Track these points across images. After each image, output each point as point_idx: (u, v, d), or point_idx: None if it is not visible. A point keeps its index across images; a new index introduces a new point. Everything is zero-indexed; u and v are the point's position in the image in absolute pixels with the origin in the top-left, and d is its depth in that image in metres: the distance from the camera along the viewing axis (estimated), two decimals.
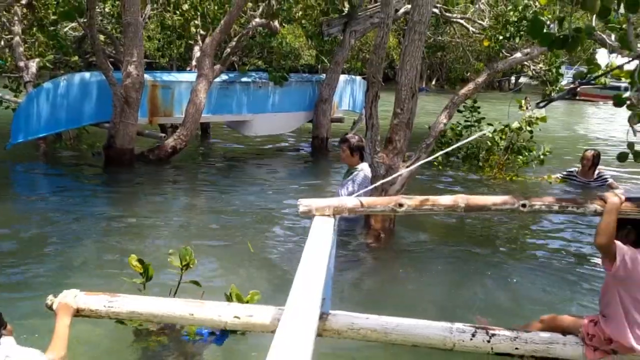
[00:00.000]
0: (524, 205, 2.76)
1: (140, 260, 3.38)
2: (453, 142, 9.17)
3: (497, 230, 5.98)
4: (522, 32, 8.98)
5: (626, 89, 4.20)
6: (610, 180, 7.51)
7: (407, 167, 5.43)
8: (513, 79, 34.23)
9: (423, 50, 5.28)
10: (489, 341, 2.80)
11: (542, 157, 8.47)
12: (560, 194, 7.31)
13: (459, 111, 8.29)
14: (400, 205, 2.84)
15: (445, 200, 2.89)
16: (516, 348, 2.79)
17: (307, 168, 9.55)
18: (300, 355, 1.46)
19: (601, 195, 2.78)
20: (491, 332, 2.82)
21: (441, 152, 4.02)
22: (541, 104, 3.41)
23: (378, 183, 4.13)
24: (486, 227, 6.04)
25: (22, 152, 8.24)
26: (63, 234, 5.07)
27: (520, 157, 8.47)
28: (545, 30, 3.07)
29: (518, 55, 5.75)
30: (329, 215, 2.81)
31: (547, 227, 6.12)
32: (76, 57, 9.83)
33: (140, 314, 2.82)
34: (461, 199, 2.85)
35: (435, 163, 8.52)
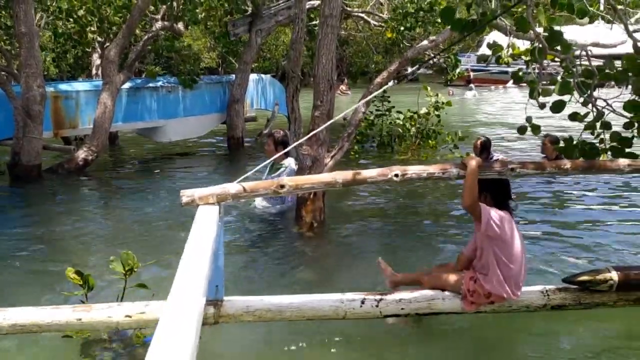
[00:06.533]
0: (396, 175, 3.02)
1: (78, 272, 3.27)
2: (366, 131, 9.55)
3: (422, 209, 6.32)
4: (420, 22, 9.50)
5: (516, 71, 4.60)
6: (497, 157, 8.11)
7: (332, 156, 5.62)
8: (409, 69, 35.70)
9: (337, 43, 5.46)
10: (377, 306, 3.02)
11: (454, 143, 8.90)
12: None
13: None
14: (282, 186, 2.96)
15: (324, 177, 3.07)
16: (402, 309, 3.04)
17: (224, 168, 9.49)
18: (183, 345, 1.39)
19: (462, 160, 3.10)
20: (378, 297, 3.04)
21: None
22: (397, 82, 3.65)
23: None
24: (414, 207, 6.36)
25: None
26: None
27: (430, 140, 8.95)
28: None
29: (425, 42, 6.12)
30: (213, 204, 2.81)
31: None
32: None
33: (24, 325, 2.74)
34: (339, 176, 3.03)
35: (351, 152, 8.81)
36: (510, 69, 26.58)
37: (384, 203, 6.50)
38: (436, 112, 8.82)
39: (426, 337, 3.32)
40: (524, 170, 3.08)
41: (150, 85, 9.51)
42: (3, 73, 7.76)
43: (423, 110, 8.90)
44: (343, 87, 25.86)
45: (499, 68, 27.06)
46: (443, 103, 8.74)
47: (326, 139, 5.50)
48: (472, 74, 27.62)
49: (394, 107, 9.56)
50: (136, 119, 9.38)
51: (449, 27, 3.40)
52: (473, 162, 2.98)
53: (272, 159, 4.17)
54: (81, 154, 8.00)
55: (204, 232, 2.40)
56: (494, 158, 8.09)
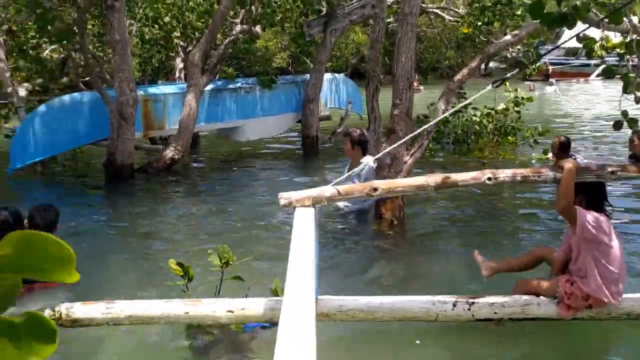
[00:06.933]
0: (489, 179, 2.99)
1: (179, 264, 3.51)
2: (441, 128, 9.44)
3: (502, 207, 6.22)
4: (497, 17, 9.28)
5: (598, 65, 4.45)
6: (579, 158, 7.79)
7: (411, 154, 5.65)
8: (483, 64, 34.72)
9: (416, 41, 5.49)
10: (469, 309, 2.99)
11: (534, 138, 8.64)
12: None
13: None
14: (375, 189, 3.00)
15: (416, 181, 3.08)
16: (495, 312, 3.00)
17: (301, 167, 9.70)
18: (305, 340, 1.49)
19: (558, 163, 3.03)
20: (471, 300, 3.01)
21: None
22: (495, 84, 3.62)
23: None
24: (494, 203, 6.28)
25: (22, 177, 8.21)
26: (90, 251, 5.10)
27: (510, 137, 8.74)
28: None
29: (508, 37, 6.01)
30: (309, 206, 2.91)
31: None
32: (64, 79, 9.82)
33: (139, 317, 2.94)
34: (430, 179, 3.04)
35: (427, 149, 8.75)
36: (592, 62, 25.41)
37: (463, 199, 6.44)
38: (516, 108, 8.59)
39: (516, 336, 3.30)
40: (625, 172, 3.00)
41: (230, 86, 9.87)
42: (98, 78, 8.32)
43: (501, 106, 8.70)
44: (414, 83, 25.59)
45: (580, 61, 25.87)
46: (523, 98, 8.50)
47: (405, 136, 5.54)
48: (550, 67, 26.53)
49: (470, 103, 9.39)
50: (217, 120, 9.77)
51: (537, 21, 3.36)
52: (570, 164, 2.93)
53: (363, 165, 4.25)
54: (168, 153, 8.45)
55: (305, 233, 2.53)
56: (575, 157, 7.80)
